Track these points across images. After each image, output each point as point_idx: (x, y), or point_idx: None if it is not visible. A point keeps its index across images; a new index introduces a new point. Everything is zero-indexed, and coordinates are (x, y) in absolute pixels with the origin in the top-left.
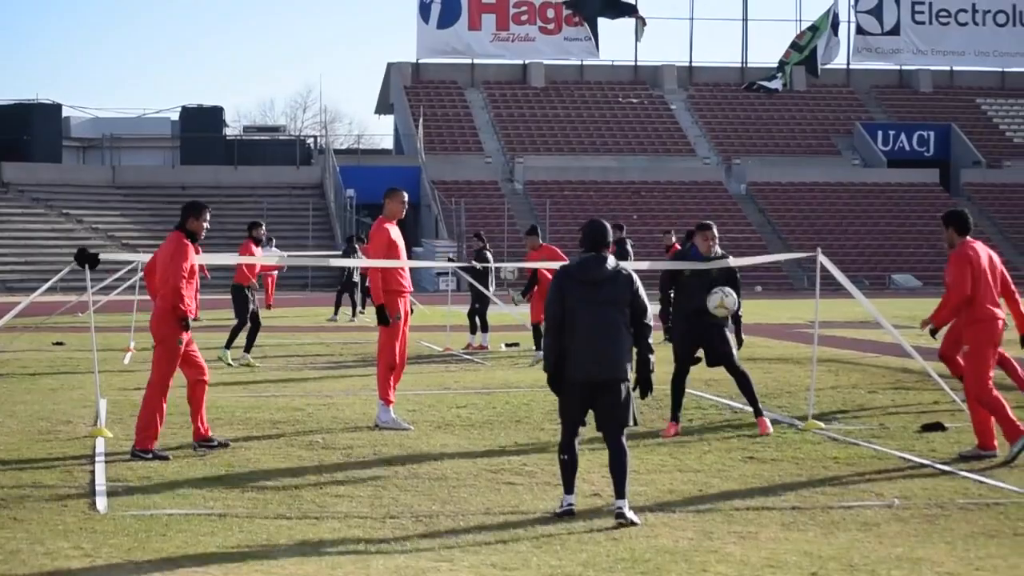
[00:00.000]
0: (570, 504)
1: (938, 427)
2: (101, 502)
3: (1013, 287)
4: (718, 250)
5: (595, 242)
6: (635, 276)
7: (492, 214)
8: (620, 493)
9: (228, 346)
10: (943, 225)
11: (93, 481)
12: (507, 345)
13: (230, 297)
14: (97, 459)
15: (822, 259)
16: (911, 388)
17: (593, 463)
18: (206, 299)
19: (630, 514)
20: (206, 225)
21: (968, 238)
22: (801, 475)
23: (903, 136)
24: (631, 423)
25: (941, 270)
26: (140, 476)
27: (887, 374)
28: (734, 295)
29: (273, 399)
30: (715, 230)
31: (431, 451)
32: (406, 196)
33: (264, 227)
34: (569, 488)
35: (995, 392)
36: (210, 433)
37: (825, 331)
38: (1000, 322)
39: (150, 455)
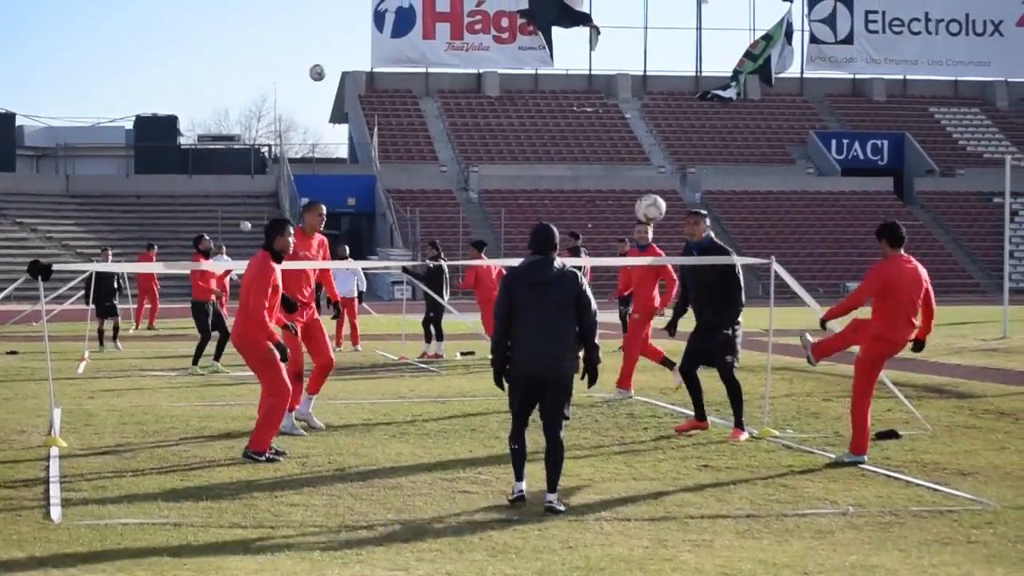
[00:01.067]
0: (520, 491)
1: (892, 435)
2: (55, 512)
3: (934, 302)
4: (710, 234)
5: (543, 244)
6: (580, 274)
7: (447, 223)
8: (552, 487)
9: (195, 362)
10: (876, 238)
11: (47, 491)
12: (462, 354)
13: (190, 309)
14: (51, 469)
15: (776, 267)
16: None
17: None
18: (166, 308)
19: (559, 505)
20: (291, 240)
21: (900, 252)
22: (756, 483)
23: (857, 145)
24: (567, 417)
25: None
26: (95, 486)
27: (841, 382)
28: (654, 202)
29: (227, 408)
30: (702, 214)
31: (386, 460)
32: (324, 209)
33: (208, 238)
34: (519, 475)
35: (868, 410)
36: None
37: (780, 339)
38: (899, 347)
39: (263, 457)
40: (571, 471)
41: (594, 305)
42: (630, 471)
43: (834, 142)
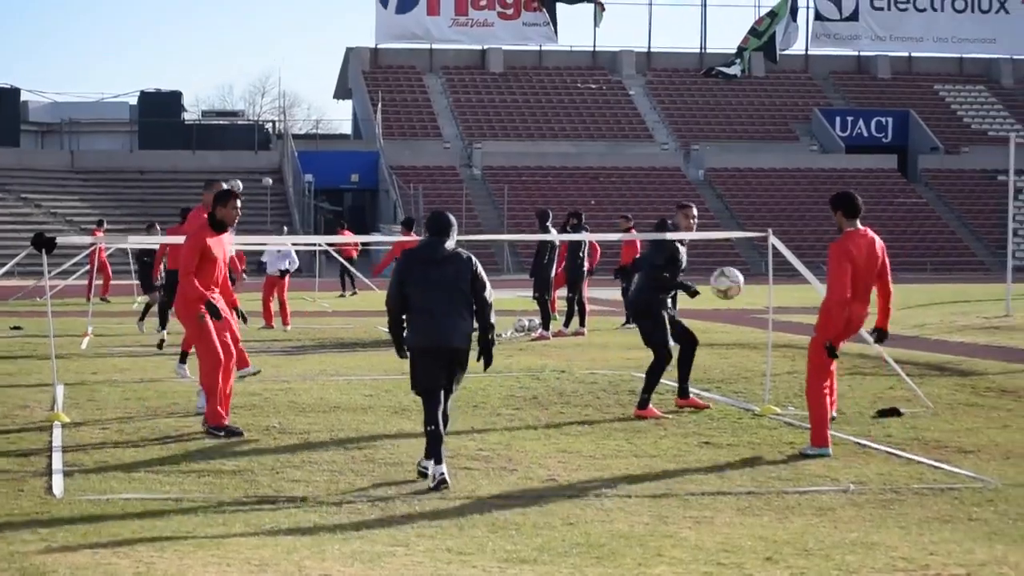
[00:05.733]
0: (436, 471)
1: (894, 412)
2: (58, 487)
3: (890, 280)
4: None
5: (438, 229)
6: (474, 258)
7: (451, 199)
8: (431, 456)
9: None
10: (831, 208)
11: (50, 465)
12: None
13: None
14: (54, 444)
15: (774, 240)
16: (867, 374)
17: (549, 448)
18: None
19: (441, 476)
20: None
21: (857, 225)
22: (757, 460)
23: (861, 122)
24: (454, 390)
25: (899, 256)
26: (97, 460)
27: (843, 360)
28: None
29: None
30: (695, 210)
31: (388, 436)
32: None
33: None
34: (439, 458)
35: (824, 395)
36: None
37: (781, 316)
38: (855, 324)
39: (222, 432)
40: (572, 448)
41: (489, 286)
42: (631, 448)
43: (838, 119)
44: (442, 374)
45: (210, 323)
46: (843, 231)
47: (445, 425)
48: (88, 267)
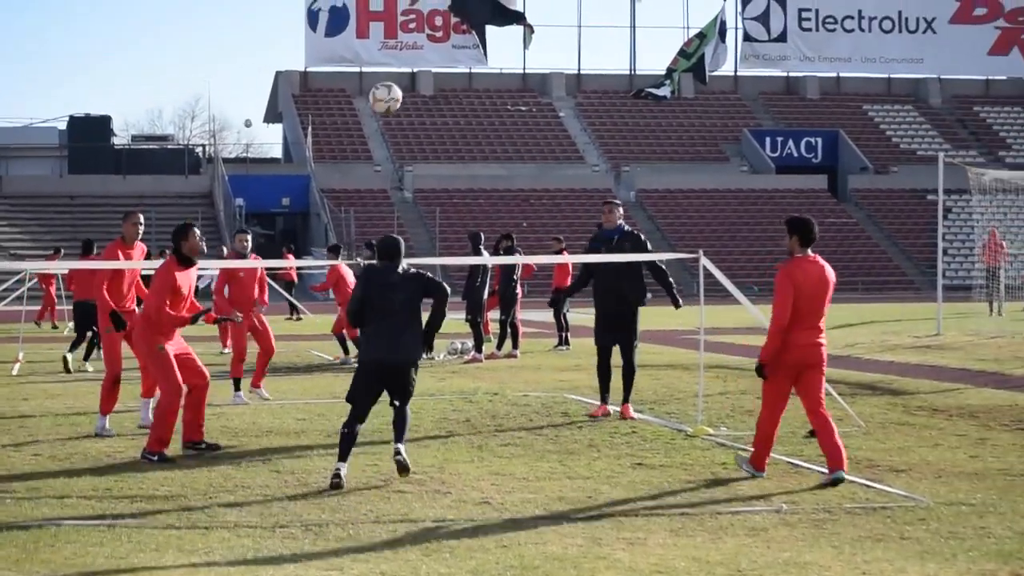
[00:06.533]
0: (338, 469)
1: None
2: None
3: (825, 312)
4: (623, 224)
5: (389, 254)
6: (422, 272)
7: (382, 222)
8: (399, 439)
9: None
10: (786, 232)
11: None
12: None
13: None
14: None
15: (704, 261)
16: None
17: (482, 470)
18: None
19: (405, 456)
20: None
21: (808, 252)
22: (690, 481)
23: (791, 142)
24: (408, 397)
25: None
26: (29, 487)
27: None
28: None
29: None
30: (617, 203)
31: (321, 460)
32: (141, 218)
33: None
34: (343, 457)
35: (772, 424)
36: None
37: (713, 337)
38: (804, 353)
39: (156, 457)
40: (506, 470)
41: (445, 286)
42: (564, 470)
43: (768, 140)
44: (383, 388)
45: (170, 352)
46: (793, 256)
47: (404, 427)
48: (44, 292)
